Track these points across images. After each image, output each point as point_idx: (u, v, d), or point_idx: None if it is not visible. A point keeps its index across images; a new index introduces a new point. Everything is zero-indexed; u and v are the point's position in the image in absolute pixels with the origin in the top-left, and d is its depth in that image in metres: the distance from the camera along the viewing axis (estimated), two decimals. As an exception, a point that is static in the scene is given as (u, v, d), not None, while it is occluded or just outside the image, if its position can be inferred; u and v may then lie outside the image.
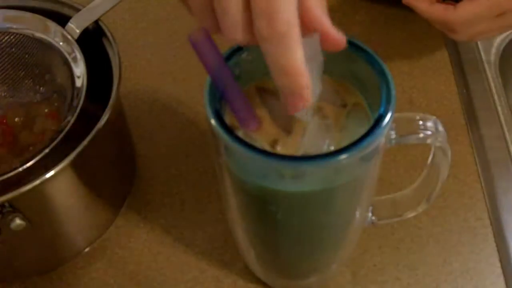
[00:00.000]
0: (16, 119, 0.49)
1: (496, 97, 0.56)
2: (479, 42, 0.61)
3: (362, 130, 0.30)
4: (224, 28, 0.28)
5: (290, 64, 0.27)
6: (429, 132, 0.34)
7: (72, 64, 0.45)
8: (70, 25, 0.46)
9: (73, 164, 0.40)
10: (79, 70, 0.45)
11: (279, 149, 0.32)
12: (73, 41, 0.46)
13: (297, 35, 0.27)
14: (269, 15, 0.26)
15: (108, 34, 0.46)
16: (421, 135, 0.34)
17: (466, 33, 0.48)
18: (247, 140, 0.30)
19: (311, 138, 0.33)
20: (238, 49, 0.34)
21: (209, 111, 0.31)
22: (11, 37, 0.47)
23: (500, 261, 0.46)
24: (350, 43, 0.34)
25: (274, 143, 0.33)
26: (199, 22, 0.29)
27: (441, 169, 0.37)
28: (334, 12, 0.64)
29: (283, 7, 0.26)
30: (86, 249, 0.48)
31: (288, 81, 0.28)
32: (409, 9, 0.63)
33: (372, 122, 0.31)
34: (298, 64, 0.27)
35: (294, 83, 0.28)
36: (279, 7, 0.26)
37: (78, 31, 0.46)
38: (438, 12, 0.48)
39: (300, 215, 0.35)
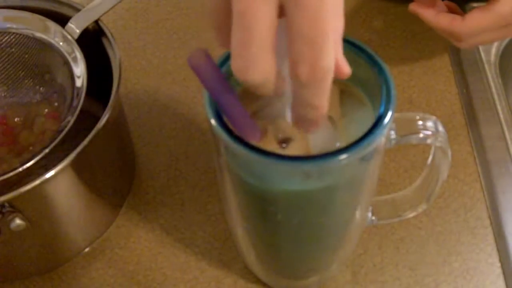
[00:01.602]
0: (16, 119, 0.49)
1: (496, 97, 0.56)
2: (479, 42, 0.61)
3: (365, 124, 0.30)
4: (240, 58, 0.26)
5: (322, 104, 0.28)
6: (429, 132, 0.34)
7: (72, 64, 0.45)
8: (70, 25, 0.46)
9: (73, 164, 0.40)
10: (79, 70, 0.45)
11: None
12: (73, 41, 0.46)
13: (331, 78, 0.27)
14: (313, 62, 0.25)
15: (108, 34, 0.46)
16: (421, 135, 0.34)
17: (470, 42, 0.49)
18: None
19: (318, 141, 0.33)
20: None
21: (209, 111, 0.31)
22: (11, 37, 0.47)
23: (500, 261, 0.46)
24: (351, 43, 0.34)
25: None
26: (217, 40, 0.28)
27: (441, 169, 0.37)
28: (334, 12, 0.64)
29: (326, 53, 0.26)
30: (86, 249, 0.48)
31: (313, 115, 0.28)
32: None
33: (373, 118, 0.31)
34: (326, 102, 0.28)
35: (318, 116, 0.29)
36: (324, 54, 0.26)
37: (78, 31, 0.46)
38: (445, 22, 0.48)
39: (300, 215, 0.35)
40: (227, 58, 0.33)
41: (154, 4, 0.67)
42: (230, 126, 0.31)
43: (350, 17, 0.64)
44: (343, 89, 0.35)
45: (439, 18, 0.49)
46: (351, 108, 0.35)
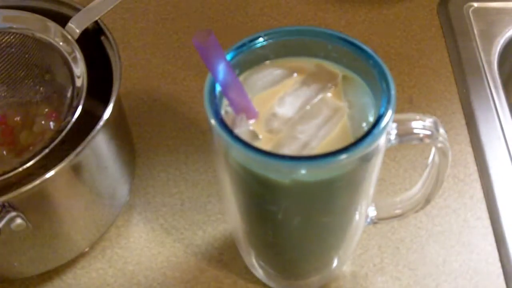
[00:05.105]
0: (16, 119, 0.49)
1: (496, 97, 0.56)
2: (479, 42, 0.61)
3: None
4: None
5: None
6: (429, 132, 0.34)
7: (72, 64, 0.45)
8: (70, 25, 0.46)
9: (73, 164, 0.40)
10: (79, 70, 0.45)
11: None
12: (73, 41, 0.46)
13: None
14: None
15: (108, 34, 0.46)
16: (421, 135, 0.34)
17: None
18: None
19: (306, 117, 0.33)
20: (240, 46, 0.34)
21: (209, 111, 0.31)
22: (11, 37, 0.47)
23: (500, 261, 0.46)
24: (350, 43, 0.34)
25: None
26: None
27: (441, 169, 0.37)
28: (334, 12, 0.64)
29: None
30: (86, 249, 0.48)
31: None
32: (409, 9, 0.63)
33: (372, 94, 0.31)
34: None
35: None
36: None
37: (78, 31, 0.46)
38: None
39: (300, 215, 0.35)
40: (233, 51, 0.33)
41: (154, 4, 0.67)
42: (229, 105, 0.33)
43: (350, 16, 0.64)
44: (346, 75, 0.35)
45: None
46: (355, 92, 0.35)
